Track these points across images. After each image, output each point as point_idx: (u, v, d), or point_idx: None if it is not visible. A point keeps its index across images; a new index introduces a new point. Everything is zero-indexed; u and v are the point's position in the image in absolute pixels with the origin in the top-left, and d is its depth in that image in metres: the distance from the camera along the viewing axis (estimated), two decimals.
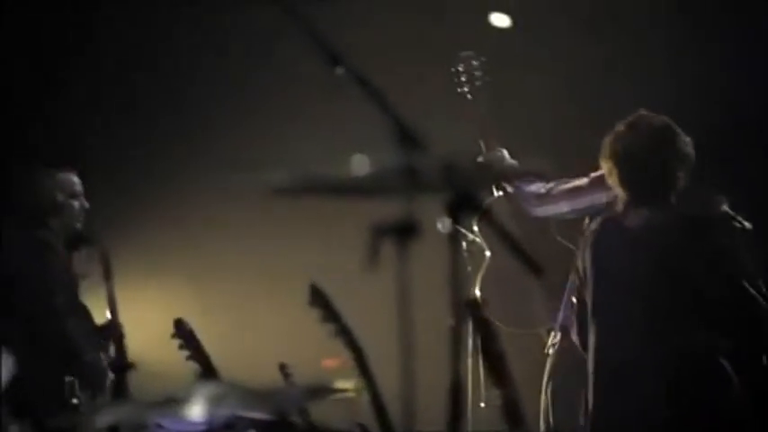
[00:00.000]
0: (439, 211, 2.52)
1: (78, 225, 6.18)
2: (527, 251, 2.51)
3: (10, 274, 5.91)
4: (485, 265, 5.81)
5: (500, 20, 8.19)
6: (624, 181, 4.54)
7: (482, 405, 5.80)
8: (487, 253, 5.80)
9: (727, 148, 6.55)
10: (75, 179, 6.24)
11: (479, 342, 2.84)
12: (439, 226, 4.71)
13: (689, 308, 4.41)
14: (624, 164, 4.53)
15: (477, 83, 5.77)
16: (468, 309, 2.71)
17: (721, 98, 7.15)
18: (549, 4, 7.79)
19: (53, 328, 5.84)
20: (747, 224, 4.56)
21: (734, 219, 4.57)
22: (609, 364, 4.51)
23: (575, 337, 4.85)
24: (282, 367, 4.77)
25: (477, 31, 7.97)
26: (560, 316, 5.56)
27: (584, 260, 4.66)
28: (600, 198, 5.37)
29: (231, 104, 7.93)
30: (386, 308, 2.67)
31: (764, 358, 4.62)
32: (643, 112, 4.64)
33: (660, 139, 4.53)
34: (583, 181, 5.45)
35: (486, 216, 2.56)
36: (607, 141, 4.60)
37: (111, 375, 6.08)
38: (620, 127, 4.58)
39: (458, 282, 2.52)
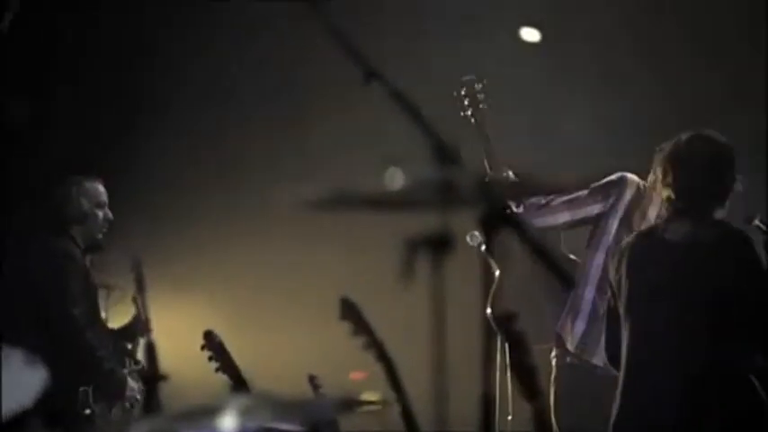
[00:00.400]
0: (471, 225, 2.53)
1: (100, 235, 6.20)
2: (557, 261, 2.52)
3: (29, 282, 5.94)
4: (495, 281, 5.82)
5: (530, 35, 8.22)
6: (678, 186, 4.55)
7: (509, 418, 5.81)
8: (497, 272, 5.82)
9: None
10: (101, 188, 6.27)
11: (511, 355, 2.84)
12: (468, 239, 4.72)
13: (724, 324, 4.41)
14: (683, 169, 4.55)
15: (481, 106, 5.80)
16: (500, 322, 2.72)
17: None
18: (575, 18, 7.81)
19: (71, 337, 5.86)
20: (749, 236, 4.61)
21: (745, 235, 4.59)
22: (642, 376, 4.51)
23: (600, 355, 4.85)
24: (312, 379, 4.79)
25: (506, 45, 8.01)
26: (559, 325, 5.58)
27: (619, 272, 4.65)
28: (594, 210, 5.41)
29: (265, 117, 7.96)
30: (417, 321, 2.68)
31: None
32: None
33: (721, 154, 4.59)
34: (582, 192, 5.48)
35: (518, 233, 2.57)
36: (670, 145, 4.65)
37: (138, 387, 6.09)
38: (685, 135, 4.63)
39: (491, 295, 2.53)
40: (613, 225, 5.55)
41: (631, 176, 5.59)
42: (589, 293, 5.56)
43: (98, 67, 7.92)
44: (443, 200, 2.49)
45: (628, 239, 4.77)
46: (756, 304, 4.41)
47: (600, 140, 7.56)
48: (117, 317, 6.65)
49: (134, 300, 6.36)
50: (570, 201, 5.54)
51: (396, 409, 3.59)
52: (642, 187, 5.54)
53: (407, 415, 3.53)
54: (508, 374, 3.02)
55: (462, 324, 2.91)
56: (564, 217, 5.53)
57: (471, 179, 2.52)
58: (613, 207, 5.55)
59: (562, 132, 7.77)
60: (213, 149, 7.99)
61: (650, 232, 4.73)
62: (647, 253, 4.61)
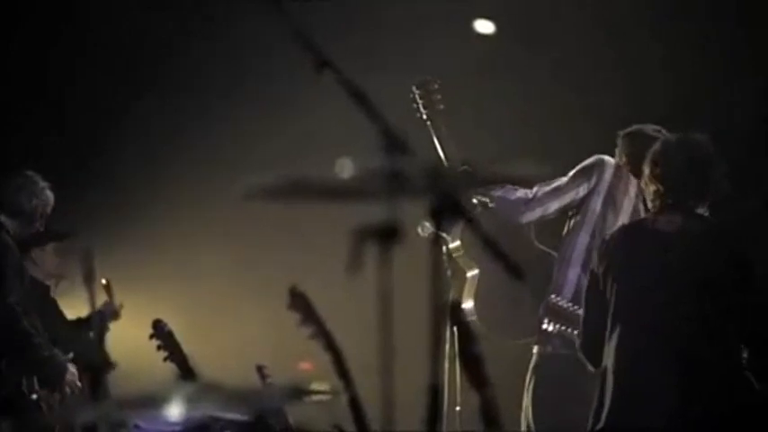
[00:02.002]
0: (422, 215, 2.54)
1: (40, 226, 6.19)
2: (509, 256, 2.53)
3: None
4: (474, 278, 5.83)
5: (484, 26, 8.23)
6: (667, 180, 4.64)
7: (458, 408, 5.83)
8: (473, 272, 5.84)
9: None
10: (39, 180, 6.25)
11: (458, 345, 2.85)
12: (419, 230, 4.73)
13: (716, 317, 4.46)
14: (672, 163, 4.65)
15: (437, 106, 5.82)
16: (447, 312, 2.72)
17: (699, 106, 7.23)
18: (534, 10, 7.84)
19: (7, 325, 5.85)
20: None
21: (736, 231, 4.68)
22: (630, 372, 4.51)
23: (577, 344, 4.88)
24: (260, 369, 4.78)
25: (460, 38, 8.02)
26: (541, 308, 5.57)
27: (606, 261, 4.67)
28: (579, 192, 5.46)
29: (216, 108, 7.94)
30: (366, 311, 2.68)
31: None
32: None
33: (710, 151, 4.69)
34: (562, 180, 5.55)
35: (469, 225, 2.58)
36: (660, 142, 4.79)
37: (74, 372, 6.08)
38: (674, 136, 4.79)
39: (438, 285, 2.53)
40: (597, 204, 5.62)
41: (608, 158, 5.66)
42: (573, 274, 5.59)
43: (53, 59, 7.88)
44: (392, 190, 2.49)
45: (613, 231, 4.84)
46: (743, 298, 4.47)
47: (553, 132, 7.59)
48: (67, 308, 6.62)
49: (106, 288, 6.36)
50: (555, 189, 5.64)
51: (343, 399, 3.59)
52: (619, 168, 5.62)
53: (355, 405, 3.54)
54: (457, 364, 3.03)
55: (411, 314, 2.91)
56: (554, 206, 5.64)
57: (421, 169, 2.52)
58: (596, 188, 5.62)
59: (515, 124, 7.81)
60: (165, 140, 7.96)
61: (639, 224, 4.83)
62: (639, 244, 4.66)
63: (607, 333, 4.58)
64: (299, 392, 3.15)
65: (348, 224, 2.44)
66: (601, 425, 4.51)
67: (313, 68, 2.72)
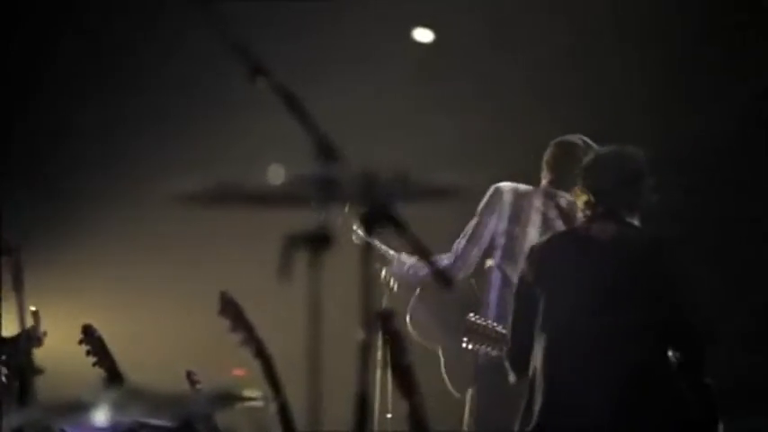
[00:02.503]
0: (354, 222, 2.54)
1: None
2: (436, 261, 2.53)
3: None
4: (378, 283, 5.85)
5: (423, 35, 8.25)
6: (599, 190, 4.69)
7: (389, 415, 5.84)
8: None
9: None
10: None
11: (388, 353, 2.85)
12: (354, 237, 4.74)
13: (644, 323, 4.50)
14: (604, 174, 4.71)
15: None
16: (377, 320, 2.72)
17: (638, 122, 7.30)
18: (473, 18, 7.87)
19: None
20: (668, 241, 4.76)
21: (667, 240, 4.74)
22: (560, 376, 4.53)
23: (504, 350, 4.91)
24: (189, 375, 4.76)
25: (400, 45, 8.04)
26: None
27: (536, 269, 4.69)
28: (491, 228, 5.49)
29: (145, 113, 7.89)
30: (298, 318, 2.68)
31: (706, 374, 4.77)
32: None
33: (641, 163, 4.75)
34: (471, 224, 5.58)
35: (398, 229, 2.58)
36: (593, 153, 4.88)
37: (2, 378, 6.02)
38: (606, 148, 4.84)
39: (368, 293, 2.53)
40: (503, 227, 5.63)
41: (503, 183, 5.68)
42: (494, 295, 5.62)
43: None
44: (324, 197, 2.49)
45: (543, 239, 4.87)
46: (671, 306, 4.52)
47: (490, 141, 7.62)
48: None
49: (34, 314, 6.29)
50: (470, 236, 5.65)
51: (273, 407, 3.59)
52: (516, 188, 5.65)
53: (284, 412, 3.53)
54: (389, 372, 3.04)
55: (343, 321, 2.91)
56: (476, 253, 5.64)
57: (354, 177, 2.53)
58: (500, 214, 5.63)
59: (452, 133, 7.83)
60: (94, 145, 7.90)
61: (572, 232, 4.87)
62: (572, 251, 4.69)
63: (536, 339, 4.60)
64: (227, 398, 3.13)
65: (279, 230, 2.44)
66: (530, 428, 4.54)
67: (247, 75, 2.72)
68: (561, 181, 5.59)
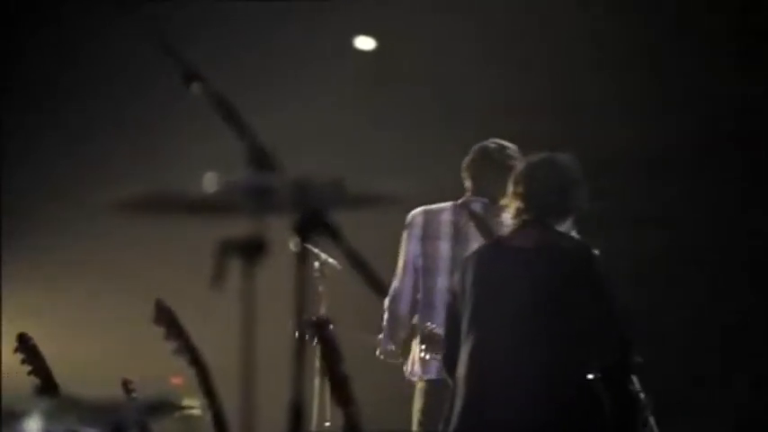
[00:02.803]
0: (289, 230, 2.53)
1: None
2: (372, 269, 2.52)
3: None
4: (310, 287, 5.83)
5: (365, 43, 8.26)
6: (529, 198, 4.71)
7: (327, 424, 5.83)
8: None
9: None
10: None
11: (323, 362, 2.85)
12: (291, 245, 4.72)
13: (566, 329, 4.53)
14: (534, 182, 4.74)
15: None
16: (313, 328, 2.72)
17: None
18: (414, 26, 7.89)
19: None
20: (596, 251, 4.79)
21: (591, 247, 4.78)
22: (480, 382, 4.56)
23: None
24: (125, 383, 4.71)
25: (340, 53, 8.04)
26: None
27: (463, 279, 4.74)
28: (417, 253, 5.50)
29: (86, 119, 7.84)
30: (234, 326, 2.66)
31: (629, 380, 4.92)
32: None
33: (573, 171, 4.79)
34: (401, 259, 5.59)
35: (333, 236, 2.57)
36: (525, 161, 4.88)
37: None
38: (538, 156, 4.84)
39: (303, 301, 2.52)
40: (417, 247, 5.63)
41: (416, 210, 5.66)
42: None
43: None
44: (259, 205, 2.48)
45: (474, 249, 4.89)
46: (592, 312, 4.54)
47: (429, 150, 7.64)
48: None
49: None
50: (403, 270, 5.64)
51: (208, 415, 3.57)
52: (430, 208, 5.64)
53: (219, 421, 3.51)
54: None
55: (279, 330, 2.90)
56: (410, 283, 5.63)
57: (288, 184, 2.52)
58: (414, 239, 5.64)
59: (393, 141, 7.85)
60: (36, 151, 7.84)
61: (497, 241, 4.90)
62: (496, 260, 4.73)
63: (461, 346, 4.65)
64: (161, 407, 3.11)
65: (213, 238, 2.43)
66: None
67: (182, 82, 2.71)
68: (480, 187, 5.61)
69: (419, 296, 5.61)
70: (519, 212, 4.74)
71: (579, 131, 7.46)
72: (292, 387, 2.50)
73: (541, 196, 4.72)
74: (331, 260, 5.87)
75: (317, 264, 5.89)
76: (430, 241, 5.58)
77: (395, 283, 5.67)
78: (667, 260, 7.82)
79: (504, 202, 4.84)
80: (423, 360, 5.41)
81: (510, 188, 4.80)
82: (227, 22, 7.74)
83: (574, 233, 4.86)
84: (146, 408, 3.23)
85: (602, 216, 4.93)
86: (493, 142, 5.66)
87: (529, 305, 4.56)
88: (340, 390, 2.81)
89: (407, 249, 5.63)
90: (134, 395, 4.55)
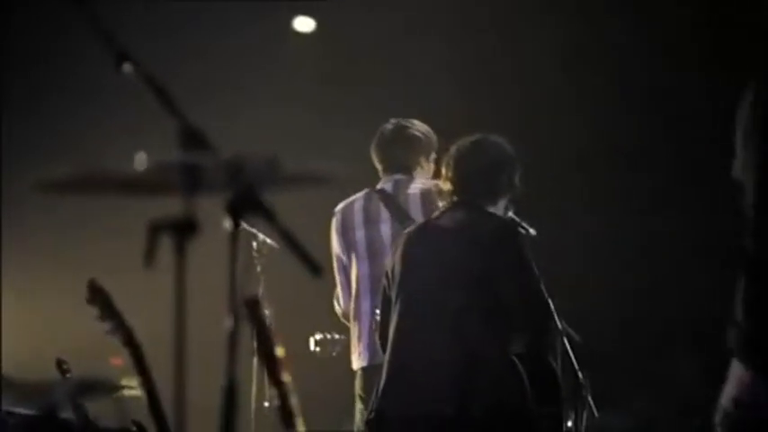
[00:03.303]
0: (223, 210, 2.52)
1: None
2: (305, 249, 2.52)
3: None
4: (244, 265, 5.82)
5: (304, 24, 8.24)
6: (459, 180, 4.78)
7: (266, 404, 5.83)
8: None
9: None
10: None
11: (256, 342, 2.84)
12: (226, 225, 4.71)
13: (485, 307, 4.57)
14: (462, 167, 4.79)
15: None
16: (245, 308, 2.71)
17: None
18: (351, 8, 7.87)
19: None
20: (532, 230, 4.83)
21: (520, 225, 4.87)
22: (403, 360, 4.61)
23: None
24: (60, 363, 4.68)
25: (279, 36, 8.02)
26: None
27: (394, 259, 4.81)
28: (345, 245, 5.53)
29: (15, 98, 7.77)
30: (168, 306, 2.65)
31: (550, 358, 4.92)
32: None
33: (504, 153, 4.84)
34: (337, 257, 5.62)
35: (266, 216, 2.57)
36: (456, 144, 4.91)
37: None
38: (471, 138, 4.89)
39: (236, 281, 2.52)
40: (339, 243, 5.66)
41: (336, 208, 5.72)
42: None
43: None
44: (190, 184, 2.47)
45: (405, 232, 4.92)
46: (513, 291, 4.60)
47: (363, 132, 7.64)
48: None
49: None
50: (340, 269, 5.66)
51: (143, 396, 3.56)
52: (346, 202, 5.70)
53: (153, 401, 3.50)
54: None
55: (213, 309, 2.89)
56: (344, 277, 5.66)
57: (220, 164, 2.51)
58: (336, 237, 5.66)
59: (328, 122, 7.84)
60: None
61: (427, 222, 4.94)
62: (420, 240, 4.79)
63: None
64: (97, 387, 3.10)
65: (145, 217, 2.43)
66: (373, 413, 4.61)
67: (113, 62, 2.69)
68: (389, 165, 5.66)
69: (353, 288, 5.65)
70: (449, 194, 4.79)
71: (537, 123, 7.51)
72: (226, 367, 2.50)
73: (470, 178, 4.77)
74: (269, 240, 5.87)
75: (254, 243, 5.90)
76: (348, 233, 5.63)
77: (337, 292, 5.74)
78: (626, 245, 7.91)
79: (439, 184, 4.89)
80: (357, 348, 5.48)
81: (443, 170, 4.85)
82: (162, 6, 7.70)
83: (510, 214, 4.90)
84: (80, 387, 3.22)
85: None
86: (390, 122, 5.73)
87: (447, 284, 4.61)
88: (273, 370, 2.81)
89: (333, 248, 5.69)
90: (68, 375, 4.53)
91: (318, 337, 5.88)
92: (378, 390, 4.64)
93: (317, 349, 5.85)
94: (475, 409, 4.49)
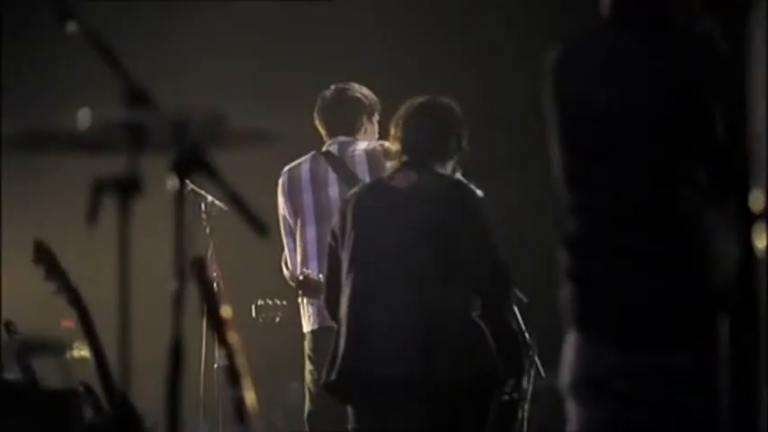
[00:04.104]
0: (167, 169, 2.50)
1: None
2: (250, 208, 2.50)
3: None
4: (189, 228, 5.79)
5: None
6: (404, 143, 4.75)
7: (216, 365, 5.82)
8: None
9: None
10: None
11: (203, 303, 2.82)
12: (169, 185, 4.68)
13: (445, 267, 4.57)
14: (410, 128, 4.77)
15: None
16: (192, 268, 2.69)
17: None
18: None
19: None
20: (479, 192, 4.84)
21: (467, 186, 4.83)
22: (363, 321, 4.58)
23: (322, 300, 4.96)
24: (7, 324, 4.65)
25: None
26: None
27: (344, 220, 4.77)
28: (291, 209, 5.52)
29: None
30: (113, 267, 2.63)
31: (509, 315, 5.03)
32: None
33: (451, 115, 4.83)
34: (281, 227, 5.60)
35: (211, 175, 2.54)
36: (405, 104, 4.86)
37: None
38: (419, 98, 4.86)
39: (182, 241, 2.50)
40: (287, 208, 5.64)
41: (284, 170, 5.69)
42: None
43: None
44: (134, 143, 2.45)
45: (353, 191, 4.89)
46: (471, 249, 4.59)
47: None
48: None
49: None
50: (286, 231, 5.63)
51: (90, 357, 3.54)
52: (292, 165, 5.67)
53: (101, 362, 3.49)
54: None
55: (160, 270, 2.88)
56: (291, 240, 5.63)
57: (165, 122, 2.49)
58: (283, 200, 5.65)
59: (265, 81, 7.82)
60: None
61: (377, 182, 4.92)
62: (373, 200, 4.76)
63: (342, 287, 4.68)
64: (44, 348, 3.09)
65: (88, 176, 2.40)
66: (334, 375, 4.58)
67: (57, 20, 2.66)
68: (332, 128, 5.66)
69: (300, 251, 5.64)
70: (399, 154, 4.78)
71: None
72: (172, 328, 2.49)
73: (420, 139, 4.75)
74: (218, 201, 5.84)
75: (203, 205, 5.87)
76: (294, 196, 5.61)
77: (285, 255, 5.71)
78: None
79: (387, 144, 4.88)
80: (306, 311, 5.47)
81: (392, 130, 4.83)
82: None
83: (458, 175, 4.90)
84: (26, 348, 3.20)
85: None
86: (330, 87, 5.72)
87: (405, 244, 4.60)
88: (219, 331, 2.80)
89: (280, 211, 5.66)
90: (16, 336, 4.49)
91: (260, 302, 5.86)
92: (338, 351, 4.59)
93: (261, 316, 5.82)
94: (439, 369, 4.49)
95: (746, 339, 2.07)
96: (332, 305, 4.80)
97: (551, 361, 5.32)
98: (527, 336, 5.19)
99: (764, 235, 2.00)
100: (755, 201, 2.02)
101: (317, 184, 5.59)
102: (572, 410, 3.11)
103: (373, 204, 4.75)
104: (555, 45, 3.14)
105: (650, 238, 2.98)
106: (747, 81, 2.05)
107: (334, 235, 4.81)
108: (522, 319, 5.13)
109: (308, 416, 5.52)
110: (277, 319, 5.85)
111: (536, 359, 5.25)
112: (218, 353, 5.66)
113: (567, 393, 3.12)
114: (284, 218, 5.66)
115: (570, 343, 3.11)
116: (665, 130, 2.97)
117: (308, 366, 5.54)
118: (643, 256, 2.98)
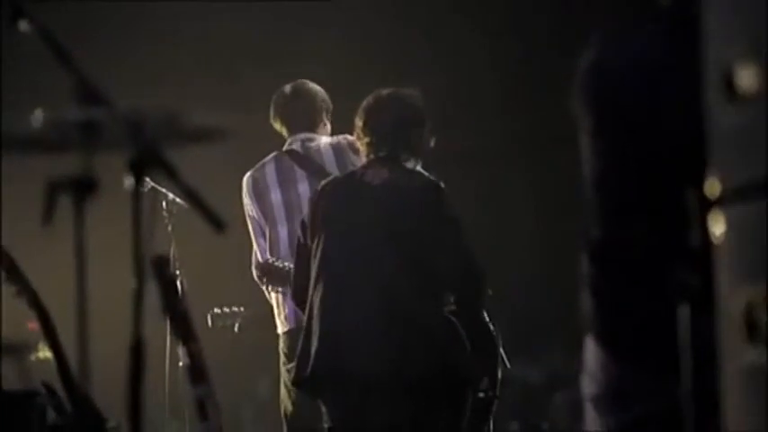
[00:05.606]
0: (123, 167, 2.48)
1: None
2: (208, 205, 2.49)
3: None
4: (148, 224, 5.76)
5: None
6: (376, 133, 4.72)
7: (181, 363, 5.78)
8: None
9: None
10: None
11: (163, 300, 2.81)
12: (127, 183, 4.64)
13: (420, 267, 4.56)
14: (378, 121, 4.73)
15: None
16: (152, 267, 2.68)
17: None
18: None
19: None
20: (441, 184, 4.81)
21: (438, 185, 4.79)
22: (336, 319, 4.55)
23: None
24: None
25: None
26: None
27: (314, 214, 4.72)
28: (258, 208, 5.47)
29: None
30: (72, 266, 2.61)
31: (482, 311, 4.99)
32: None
33: (418, 107, 4.79)
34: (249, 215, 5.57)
35: (168, 173, 2.53)
36: (372, 96, 4.82)
37: None
38: (385, 91, 4.81)
39: (140, 240, 2.48)
40: (254, 208, 5.58)
41: (248, 174, 5.64)
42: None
43: None
44: (88, 142, 2.43)
45: (324, 183, 4.84)
46: (445, 249, 4.58)
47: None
48: None
49: None
50: (254, 228, 5.59)
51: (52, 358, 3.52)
52: (255, 167, 5.63)
53: (61, 363, 3.47)
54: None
55: (119, 269, 2.85)
56: (260, 237, 5.60)
57: (120, 120, 2.47)
58: (248, 199, 5.61)
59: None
60: None
61: (348, 177, 4.86)
62: (345, 195, 4.72)
63: (312, 281, 4.63)
64: (6, 350, 3.07)
65: (43, 176, 2.38)
66: (307, 372, 4.55)
67: (9, 18, 2.64)
68: (292, 126, 5.63)
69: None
70: (369, 148, 4.74)
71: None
72: (132, 327, 2.47)
73: (389, 132, 4.71)
74: (179, 199, 5.80)
75: (164, 203, 5.83)
76: (262, 197, 5.56)
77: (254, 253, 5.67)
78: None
79: (356, 137, 4.84)
80: (282, 311, 5.44)
81: (359, 123, 4.78)
82: None
83: (419, 168, 4.88)
84: None
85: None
86: (284, 86, 5.70)
87: (378, 243, 4.56)
88: (180, 328, 2.79)
89: (248, 212, 5.61)
90: None
91: (216, 311, 5.84)
92: (311, 349, 4.56)
93: (217, 325, 5.80)
94: (414, 367, 4.48)
95: (703, 325, 2.07)
96: (299, 296, 4.76)
97: (516, 353, 5.36)
98: (492, 327, 5.19)
99: (720, 221, 2.00)
100: (711, 187, 2.03)
101: (285, 182, 5.54)
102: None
103: (345, 201, 4.70)
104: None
105: None
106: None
107: (303, 225, 4.76)
108: (487, 311, 5.13)
109: (285, 414, 5.50)
110: (236, 328, 5.83)
111: (501, 351, 5.24)
112: (180, 351, 5.63)
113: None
114: (253, 218, 5.60)
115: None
116: None
117: (286, 365, 5.50)
118: None
